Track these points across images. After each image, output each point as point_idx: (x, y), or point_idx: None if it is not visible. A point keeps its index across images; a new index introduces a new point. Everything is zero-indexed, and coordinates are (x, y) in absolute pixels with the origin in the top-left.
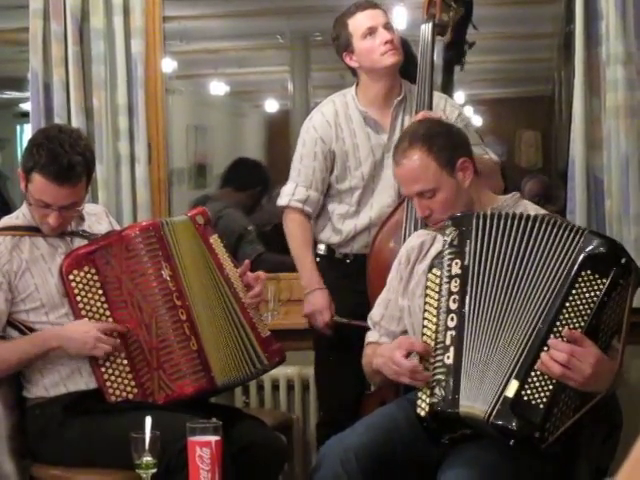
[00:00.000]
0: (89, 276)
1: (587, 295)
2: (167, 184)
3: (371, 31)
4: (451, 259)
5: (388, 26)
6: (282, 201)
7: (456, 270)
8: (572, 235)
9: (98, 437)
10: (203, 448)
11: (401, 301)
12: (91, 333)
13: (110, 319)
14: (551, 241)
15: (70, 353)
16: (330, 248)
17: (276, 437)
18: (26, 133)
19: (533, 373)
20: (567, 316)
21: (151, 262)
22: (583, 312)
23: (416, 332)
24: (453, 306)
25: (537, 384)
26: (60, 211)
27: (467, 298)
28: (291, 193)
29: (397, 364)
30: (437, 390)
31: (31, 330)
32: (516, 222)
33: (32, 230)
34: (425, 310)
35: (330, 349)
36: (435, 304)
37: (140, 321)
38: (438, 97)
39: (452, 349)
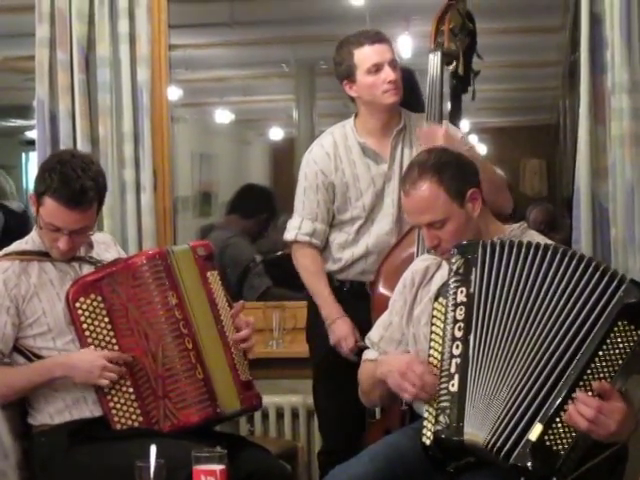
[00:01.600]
0: (95, 304)
1: (621, 346)
2: (172, 212)
3: (377, 68)
4: (457, 287)
5: (394, 63)
6: (289, 235)
7: (461, 298)
8: (604, 278)
9: (103, 465)
10: (208, 477)
11: (406, 328)
12: (97, 362)
13: (116, 347)
14: (572, 276)
15: (75, 382)
16: (329, 276)
17: (281, 465)
18: (32, 161)
19: (558, 419)
20: (599, 364)
21: (158, 290)
22: (614, 362)
23: (423, 361)
24: (458, 334)
25: (561, 431)
26: (70, 235)
27: (472, 326)
28: (297, 227)
29: (404, 376)
30: (442, 418)
31: (37, 357)
32: (524, 250)
33: (41, 255)
34: (431, 339)
35: (328, 379)
36: (441, 332)
37: (146, 349)
38: (442, 124)
39: (457, 377)
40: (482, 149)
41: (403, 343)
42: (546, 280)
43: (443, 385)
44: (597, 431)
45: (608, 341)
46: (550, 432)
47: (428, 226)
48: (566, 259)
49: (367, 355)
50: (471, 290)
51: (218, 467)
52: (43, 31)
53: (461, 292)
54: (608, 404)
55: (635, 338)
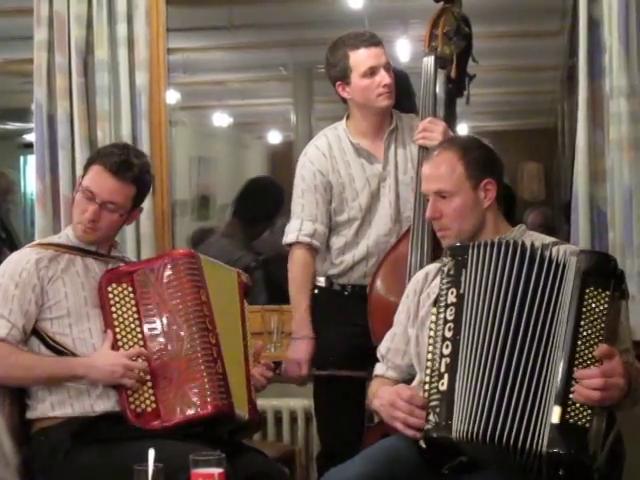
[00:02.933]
0: (126, 292)
1: (597, 310)
2: (171, 216)
3: (372, 71)
4: (447, 288)
5: (388, 67)
6: (289, 238)
7: (452, 299)
8: (565, 256)
9: (104, 467)
10: None
11: (410, 330)
12: (119, 361)
13: (140, 335)
14: (543, 266)
15: (98, 383)
16: (329, 280)
17: (279, 469)
18: (29, 164)
19: (571, 395)
20: (585, 334)
21: (190, 285)
22: (598, 327)
23: (421, 362)
24: (448, 334)
25: (578, 405)
26: (100, 207)
27: (462, 326)
28: (298, 229)
29: (394, 405)
30: (431, 416)
31: (53, 341)
32: (510, 250)
33: (73, 249)
34: (429, 344)
35: (329, 383)
36: (433, 334)
37: (171, 338)
38: None
39: (446, 376)
40: None
41: (407, 353)
42: (533, 279)
43: (433, 385)
44: (611, 395)
45: (584, 310)
46: (569, 409)
47: (435, 194)
48: (538, 252)
49: (376, 370)
50: (461, 291)
51: (216, 470)
52: (42, 34)
53: (452, 293)
54: (608, 365)
55: (607, 298)
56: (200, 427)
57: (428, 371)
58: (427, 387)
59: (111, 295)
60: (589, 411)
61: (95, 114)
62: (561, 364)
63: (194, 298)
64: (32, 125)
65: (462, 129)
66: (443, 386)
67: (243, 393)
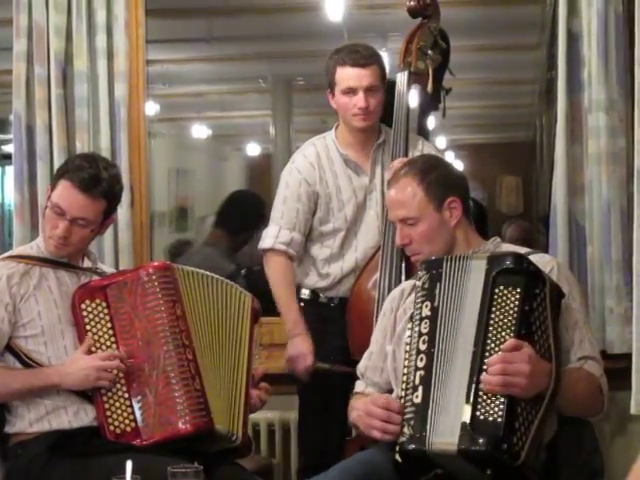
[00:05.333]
0: (100, 308)
1: (507, 308)
2: (149, 227)
3: (351, 90)
4: (422, 301)
5: (372, 88)
6: (265, 244)
7: (426, 312)
8: (479, 262)
9: None
10: None
11: (388, 347)
12: (92, 364)
13: (116, 352)
14: (468, 272)
15: (74, 388)
16: (314, 292)
17: None
18: (8, 175)
19: (481, 392)
20: (495, 332)
21: (164, 300)
22: (508, 324)
23: (397, 377)
24: (422, 347)
25: (488, 401)
26: (71, 223)
27: (436, 339)
28: (275, 235)
29: (370, 413)
30: (406, 429)
31: (28, 358)
32: (463, 262)
33: (44, 262)
34: (405, 358)
35: (314, 394)
36: (408, 348)
37: (147, 356)
38: (416, 139)
39: (420, 388)
40: (459, 166)
41: (385, 371)
42: (467, 285)
43: (408, 397)
44: (514, 381)
45: (493, 309)
46: (479, 407)
47: (402, 222)
48: (467, 261)
49: (356, 387)
50: (435, 304)
51: None
52: (21, 45)
53: (426, 306)
54: (511, 353)
55: (517, 296)
56: (180, 444)
57: (403, 385)
58: (402, 400)
59: (85, 312)
60: (500, 406)
61: (74, 125)
62: (470, 363)
63: (169, 313)
64: (11, 136)
65: (441, 142)
66: (417, 399)
67: (239, 415)
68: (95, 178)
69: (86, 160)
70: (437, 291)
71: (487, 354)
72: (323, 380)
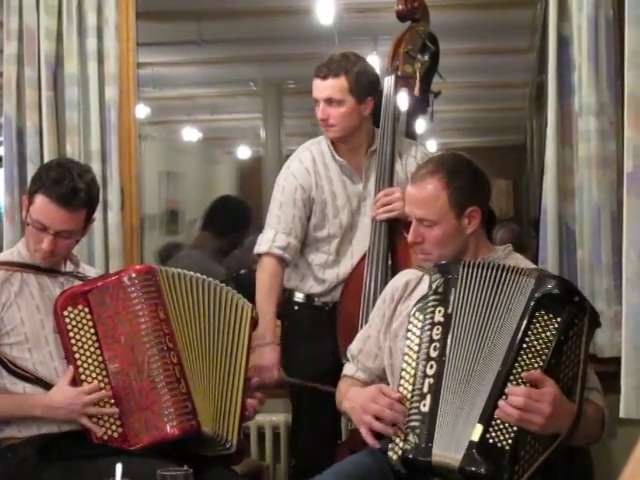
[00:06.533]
0: (82, 314)
1: (543, 335)
2: (139, 230)
3: (316, 101)
4: (434, 306)
5: (331, 101)
6: (262, 248)
7: (439, 318)
8: (525, 278)
9: None
10: None
11: (382, 341)
12: (77, 400)
13: (100, 358)
14: (509, 287)
15: (58, 420)
16: (309, 297)
17: None
18: None
19: (496, 416)
20: (525, 357)
21: (147, 304)
22: (541, 352)
23: (394, 374)
24: (433, 354)
25: (501, 426)
26: (55, 237)
27: (448, 347)
28: (271, 240)
29: (366, 411)
30: (411, 437)
31: (14, 365)
32: (492, 272)
33: (25, 267)
34: (405, 354)
35: (306, 398)
36: (416, 348)
37: (132, 361)
38: (408, 143)
39: (429, 397)
40: None
41: (379, 357)
42: (503, 300)
43: (414, 404)
44: (531, 418)
45: (530, 333)
46: (490, 429)
47: (418, 221)
48: (505, 274)
49: (346, 370)
50: (449, 311)
51: None
52: (11, 48)
53: (439, 312)
54: (537, 390)
55: (556, 325)
56: (169, 448)
57: (410, 387)
58: (407, 405)
59: (67, 320)
60: (512, 434)
61: (64, 128)
62: (493, 383)
63: (152, 317)
64: (1, 139)
65: (431, 146)
66: (425, 407)
67: (234, 422)
68: (73, 191)
69: (60, 171)
70: (452, 297)
71: (512, 377)
72: (314, 381)
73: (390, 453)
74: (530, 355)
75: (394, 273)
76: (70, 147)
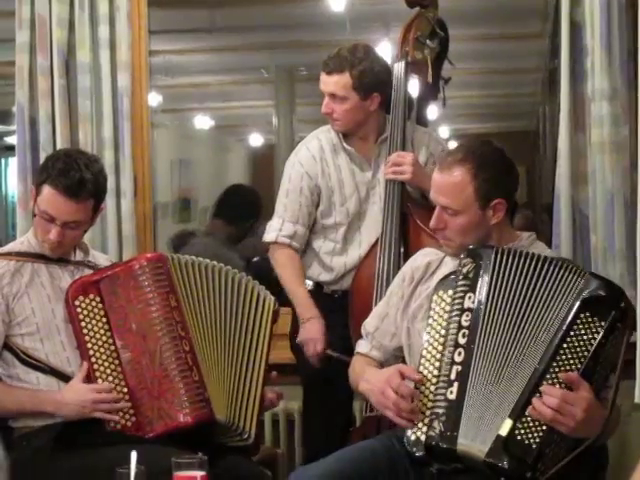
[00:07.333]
0: (94, 304)
1: (585, 337)
2: (152, 218)
3: (323, 94)
4: (464, 291)
5: (334, 96)
6: (269, 237)
7: (469, 304)
8: (573, 277)
9: (85, 471)
10: None
11: (400, 321)
12: (87, 397)
13: (113, 347)
14: (554, 282)
15: (68, 418)
16: (318, 285)
17: (261, 472)
18: (11, 166)
19: (527, 413)
20: (564, 357)
21: (158, 292)
22: (580, 354)
23: (412, 354)
24: (462, 340)
25: (531, 424)
26: (63, 228)
27: (477, 334)
28: (278, 228)
29: (385, 395)
30: (435, 424)
31: (26, 355)
32: (529, 262)
33: (35, 257)
34: (428, 333)
35: (318, 385)
36: (442, 332)
37: (144, 349)
38: (422, 132)
39: (456, 384)
40: None
41: (397, 336)
42: (544, 293)
43: (440, 391)
44: (564, 421)
45: (572, 333)
46: (520, 426)
47: (442, 208)
48: (562, 271)
49: (359, 347)
50: (480, 297)
51: (199, 473)
52: (23, 36)
53: (469, 298)
54: (573, 393)
55: (599, 329)
56: (184, 436)
57: (435, 372)
58: (433, 388)
59: (79, 309)
60: (540, 433)
61: (77, 116)
62: (528, 379)
63: (163, 305)
64: (14, 127)
65: (444, 132)
66: (452, 395)
67: (253, 413)
68: (80, 182)
69: (66, 162)
70: (484, 284)
71: (548, 376)
72: (327, 371)
73: (409, 433)
74: (569, 356)
75: (406, 259)
76: (83, 135)
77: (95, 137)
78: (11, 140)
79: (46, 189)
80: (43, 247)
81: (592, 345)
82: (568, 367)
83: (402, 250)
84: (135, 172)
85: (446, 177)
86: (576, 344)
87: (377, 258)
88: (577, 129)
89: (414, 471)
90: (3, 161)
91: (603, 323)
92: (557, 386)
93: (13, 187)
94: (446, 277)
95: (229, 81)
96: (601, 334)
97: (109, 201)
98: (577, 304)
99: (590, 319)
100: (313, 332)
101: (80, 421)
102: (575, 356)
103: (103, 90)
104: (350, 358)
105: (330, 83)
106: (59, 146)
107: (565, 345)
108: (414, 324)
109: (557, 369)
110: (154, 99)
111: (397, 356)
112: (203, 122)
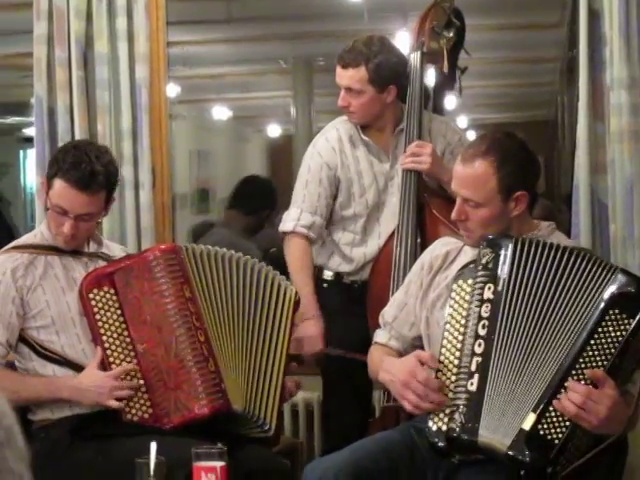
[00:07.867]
0: (108, 296)
1: (613, 334)
2: (171, 209)
3: (339, 87)
4: (484, 282)
5: (350, 89)
6: (287, 226)
7: (489, 295)
8: (602, 272)
9: (104, 462)
10: (208, 474)
11: (419, 310)
12: (105, 384)
13: (128, 339)
14: (582, 275)
15: (85, 404)
16: (338, 275)
17: (281, 462)
18: (29, 158)
19: (551, 408)
20: (591, 354)
21: (172, 283)
22: (607, 351)
23: (432, 343)
24: (482, 332)
25: (554, 419)
26: (76, 220)
27: (497, 326)
28: (296, 218)
29: (407, 385)
30: (457, 415)
31: (42, 348)
32: (552, 253)
33: (49, 249)
34: (448, 322)
35: (338, 376)
36: (462, 322)
37: (159, 341)
38: (439, 121)
39: (477, 376)
40: None
41: (416, 325)
42: (570, 286)
43: (461, 382)
44: (587, 418)
45: (600, 330)
46: (543, 421)
47: (463, 200)
48: (590, 265)
49: (378, 337)
50: (499, 288)
51: (218, 464)
52: (41, 28)
53: (489, 288)
54: (598, 391)
55: (627, 327)
56: (202, 427)
57: (455, 362)
58: (453, 379)
59: (94, 302)
60: (563, 428)
61: (95, 107)
62: (553, 375)
63: (178, 296)
64: (32, 119)
65: (462, 122)
66: (472, 386)
67: (273, 404)
68: (91, 174)
69: (77, 154)
70: (504, 274)
71: (573, 371)
72: (346, 361)
73: (430, 423)
74: (596, 352)
75: (423, 249)
76: (101, 127)
77: (113, 129)
78: (29, 132)
79: (58, 183)
80: (57, 240)
81: (619, 342)
82: (594, 363)
83: (419, 240)
84: (153, 163)
85: (468, 169)
86: (603, 341)
87: (394, 248)
88: (596, 118)
89: (432, 462)
90: (22, 153)
91: (631, 320)
92: (582, 382)
93: (32, 178)
94: (465, 266)
95: (247, 72)
96: (629, 331)
97: (127, 192)
98: (606, 299)
99: (619, 316)
100: (312, 330)
101: (98, 413)
102: (602, 353)
103: (121, 81)
104: (354, 354)
105: (346, 77)
106: (77, 137)
107: (592, 342)
108: (433, 313)
109: (583, 365)
110: (172, 90)
111: (416, 345)
112: (221, 113)
